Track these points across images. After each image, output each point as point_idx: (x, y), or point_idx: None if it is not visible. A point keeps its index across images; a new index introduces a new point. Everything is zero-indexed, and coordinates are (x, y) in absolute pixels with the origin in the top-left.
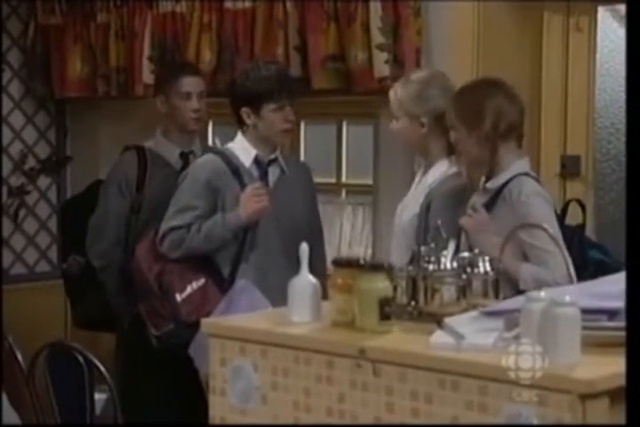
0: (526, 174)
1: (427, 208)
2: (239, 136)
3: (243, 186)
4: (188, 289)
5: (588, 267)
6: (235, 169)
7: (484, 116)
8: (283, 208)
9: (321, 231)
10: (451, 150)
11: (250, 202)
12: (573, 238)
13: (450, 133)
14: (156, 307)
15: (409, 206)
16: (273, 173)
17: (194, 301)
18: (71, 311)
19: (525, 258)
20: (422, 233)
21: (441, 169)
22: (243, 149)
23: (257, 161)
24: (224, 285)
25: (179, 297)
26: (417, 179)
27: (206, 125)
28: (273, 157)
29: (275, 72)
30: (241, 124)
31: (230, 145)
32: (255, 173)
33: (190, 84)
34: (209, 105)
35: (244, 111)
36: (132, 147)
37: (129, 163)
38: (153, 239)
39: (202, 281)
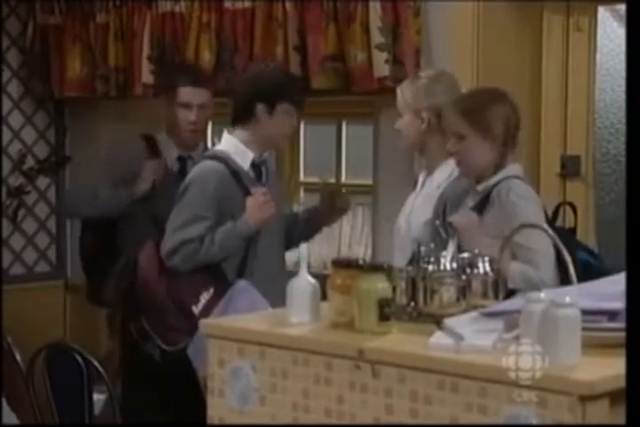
0: (517, 177)
1: (442, 212)
2: (228, 138)
3: (245, 190)
4: (202, 300)
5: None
6: (235, 174)
7: (496, 123)
8: (276, 208)
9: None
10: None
11: (259, 209)
12: (562, 241)
13: (449, 142)
14: (169, 322)
15: (417, 212)
16: (264, 173)
17: (209, 310)
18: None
19: (513, 257)
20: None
21: (447, 171)
22: (238, 152)
23: (253, 164)
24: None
25: (195, 309)
26: (420, 181)
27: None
28: (265, 157)
29: (294, 76)
30: (239, 122)
31: (222, 148)
32: (252, 175)
33: (191, 94)
34: None
35: (259, 107)
36: (143, 137)
37: (138, 151)
38: (154, 254)
39: (211, 290)
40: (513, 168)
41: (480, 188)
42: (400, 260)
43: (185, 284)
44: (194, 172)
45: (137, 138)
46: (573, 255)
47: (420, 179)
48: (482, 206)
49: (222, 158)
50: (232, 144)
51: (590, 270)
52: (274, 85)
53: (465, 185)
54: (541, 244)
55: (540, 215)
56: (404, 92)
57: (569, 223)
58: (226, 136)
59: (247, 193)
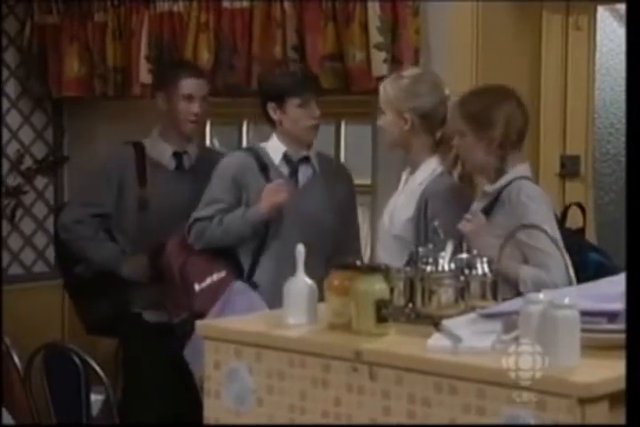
0: (526, 178)
1: (424, 209)
2: (273, 135)
3: (269, 182)
4: (208, 280)
5: (587, 269)
6: (263, 166)
7: (496, 124)
8: (310, 209)
9: (349, 234)
10: (436, 149)
11: (269, 196)
12: (572, 241)
13: (454, 139)
14: (176, 296)
15: (399, 209)
16: (304, 172)
17: (212, 292)
18: (83, 317)
19: (524, 260)
20: (423, 235)
21: (430, 167)
22: (273, 146)
23: (287, 159)
24: (243, 279)
25: (197, 287)
26: (403, 178)
27: (204, 125)
28: (304, 154)
29: (299, 69)
30: (270, 121)
31: (264, 143)
32: (285, 170)
33: (194, 86)
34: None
35: (270, 107)
36: (130, 143)
37: (127, 158)
38: (183, 234)
39: (222, 273)
40: (521, 169)
41: (489, 189)
42: (383, 255)
43: (198, 263)
44: (222, 159)
45: (127, 145)
46: (582, 256)
47: (404, 176)
48: (490, 208)
49: (254, 150)
50: (272, 140)
51: (603, 271)
52: (276, 83)
53: (453, 183)
54: (553, 246)
55: (550, 217)
56: (386, 91)
57: (574, 224)
58: (272, 135)
59: None
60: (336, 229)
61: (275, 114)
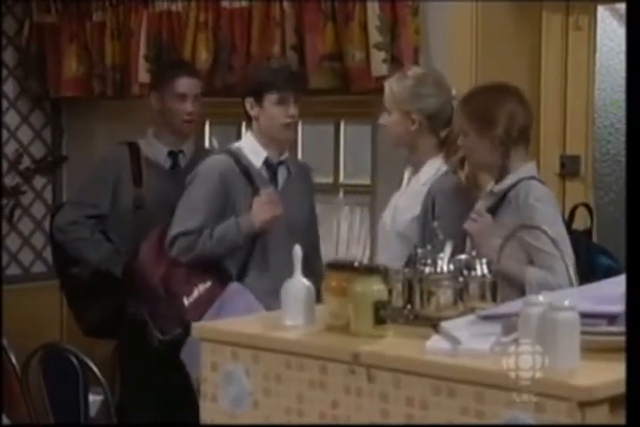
0: (533, 178)
1: (432, 208)
2: (247, 135)
3: (254, 188)
4: (195, 292)
5: (596, 272)
6: (245, 170)
7: (497, 122)
8: (290, 210)
9: (317, 233)
10: (440, 149)
11: (263, 209)
12: (580, 244)
13: (458, 138)
14: (162, 311)
15: (402, 209)
16: (281, 174)
17: (201, 304)
18: (80, 320)
19: (530, 261)
20: (428, 235)
21: (434, 167)
22: (252, 149)
23: (267, 163)
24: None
25: (186, 301)
26: (406, 178)
27: (203, 125)
28: (282, 158)
29: (282, 65)
30: (248, 119)
31: (238, 145)
32: (265, 174)
33: (187, 85)
34: (206, 104)
35: (248, 101)
36: (125, 143)
37: (122, 158)
38: (157, 241)
39: (208, 283)
40: (527, 168)
41: (495, 189)
42: (383, 256)
43: (181, 274)
44: (202, 164)
45: (122, 145)
46: (591, 259)
47: (406, 176)
48: (496, 207)
49: (234, 154)
50: (248, 141)
51: (612, 275)
52: (256, 78)
53: (459, 182)
54: (559, 247)
55: (557, 219)
56: (392, 90)
57: (579, 225)
58: (246, 134)
59: (256, 192)
60: (307, 231)
61: (252, 109)
